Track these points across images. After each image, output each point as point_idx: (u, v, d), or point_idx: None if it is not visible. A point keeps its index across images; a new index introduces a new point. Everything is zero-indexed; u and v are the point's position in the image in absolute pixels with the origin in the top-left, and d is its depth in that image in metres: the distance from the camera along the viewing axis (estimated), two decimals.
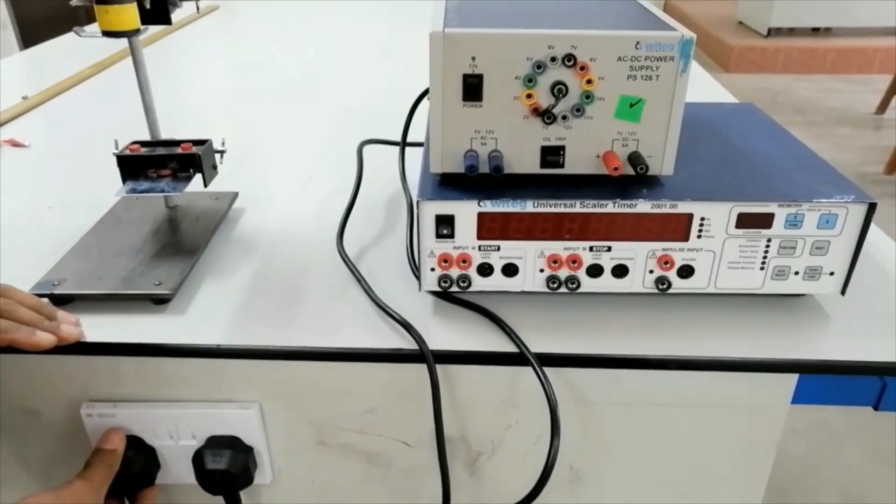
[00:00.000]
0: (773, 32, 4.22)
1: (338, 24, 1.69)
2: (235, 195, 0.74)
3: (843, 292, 0.54)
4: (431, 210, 0.52)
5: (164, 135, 0.68)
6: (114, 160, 0.63)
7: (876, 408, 0.57)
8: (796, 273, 0.54)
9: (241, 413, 0.58)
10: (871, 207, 0.51)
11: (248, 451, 0.59)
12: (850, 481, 1.48)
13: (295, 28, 1.64)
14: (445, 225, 0.52)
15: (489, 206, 0.52)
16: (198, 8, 0.63)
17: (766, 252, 0.53)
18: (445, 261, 0.54)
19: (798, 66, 4.11)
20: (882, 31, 4.13)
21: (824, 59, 4.10)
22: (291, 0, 1.92)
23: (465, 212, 0.52)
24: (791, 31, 4.23)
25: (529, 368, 0.53)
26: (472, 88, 0.50)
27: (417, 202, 0.52)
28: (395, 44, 1.45)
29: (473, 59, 0.49)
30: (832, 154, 2.99)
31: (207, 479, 0.57)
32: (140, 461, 0.58)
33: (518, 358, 0.52)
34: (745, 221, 0.52)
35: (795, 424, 1.60)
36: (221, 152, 0.67)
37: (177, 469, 0.59)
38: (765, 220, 0.52)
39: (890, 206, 2.55)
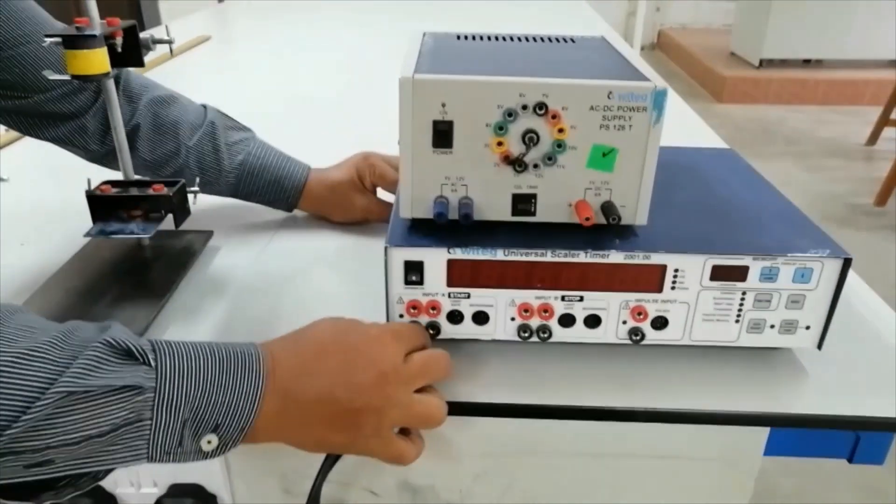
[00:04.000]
0: (765, 64, 4.26)
1: (334, 51, 1.69)
2: (210, 234, 0.72)
3: (819, 346, 0.53)
4: (400, 256, 0.51)
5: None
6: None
7: (850, 461, 0.55)
8: (772, 326, 0.53)
9: (204, 460, 0.56)
10: (847, 262, 0.50)
11: (211, 499, 0.57)
12: None
13: (289, 58, 1.64)
14: (414, 271, 0.51)
15: (459, 254, 0.51)
16: (171, 51, 0.63)
17: (741, 305, 0.52)
18: (414, 307, 0.52)
19: (790, 97, 4.14)
20: (873, 63, 4.17)
21: (816, 90, 4.13)
22: (285, 28, 1.93)
23: (435, 258, 0.51)
24: (783, 63, 4.27)
25: (495, 419, 0.52)
26: (442, 135, 0.49)
27: (386, 248, 0.51)
28: (395, 73, 1.45)
29: (444, 105, 0.48)
30: (823, 185, 3.01)
31: None
32: None
33: (483, 409, 0.51)
34: (719, 274, 0.51)
35: (786, 461, 1.58)
36: (194, 192, 0.66)
37: None
38: (739, 273, 0.51)
39: (881, 237, 2.56)
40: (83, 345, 0.39)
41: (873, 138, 3.44)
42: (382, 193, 0.78)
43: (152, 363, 0.40)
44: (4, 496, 0.39)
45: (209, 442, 0.42)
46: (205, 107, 0.74)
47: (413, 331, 0.51)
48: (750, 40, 4.34)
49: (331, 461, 0.50)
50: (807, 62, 4.31)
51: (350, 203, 0.75)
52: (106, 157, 0.71)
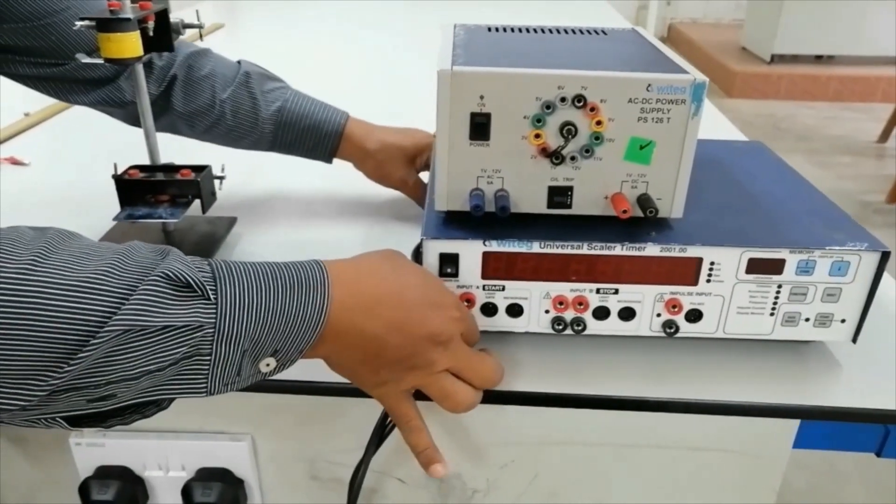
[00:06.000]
0: (776, 59, 4.24)
1: (347, 40, 1.69)
2: (234, 220, 0.73)
3: (854, 340, 0.53)
4: (436, 249, 0.51)
5: (169, 156, 0.67)
6: (113, 182, 0.62)
7: (878, 454, 0.56)
8: (807, 320, 0.53)
9: (232, 445, 0.57)
10: (885, 256, 0.50)
11: (238, 483, 0.58)
12: None
13: (302, 46, 1.64)
14: (450, 264, 0.51)
15: (495, 246, 0.51)
16: (201, 35, 0.63)
17: (776, 298, 0.52)
18: None
19: (801, 93, 4.13)
20: (885, 60, 4.15)
21: (827, 86, 4.11)
22: (297, 16, 1.93)
23: (470, 251, 0.51)
24: (794, 58, 4.25)
25: (525, 407, 0.52)
26: (480, 127, 0.49)
27: (422, 240, 0.51)
28: (407, 62, 1.45)
29: (482, 97, 0.48)
30: (834, 183, 3.00)
31: None
32: (128, 492, 0.56)
33: (514, 397, 0.52)
34: (755, 267, 0.51)
35: (799, 457, 1.58)
36: (221, 178, 0.66)
37: (165, 501, 0.58)
38: (776, 266, 0.51)
39: (893, 235, 2.55)
40: (140, 273, 0.37)
41: (885, 135, 3.42)
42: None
43: (212, 297, 0.39)
44: (72, 424, 0.38)
45: (267, 364, 0.42)
46: (239, 62, 0.75)
47: (476, 326, 0.51)
48: (761, 35, 4.32)
49: (372, 449, 0.51)
50: (818, 58, 4.29)
51: (392, 167, 0.75)
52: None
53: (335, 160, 0.77)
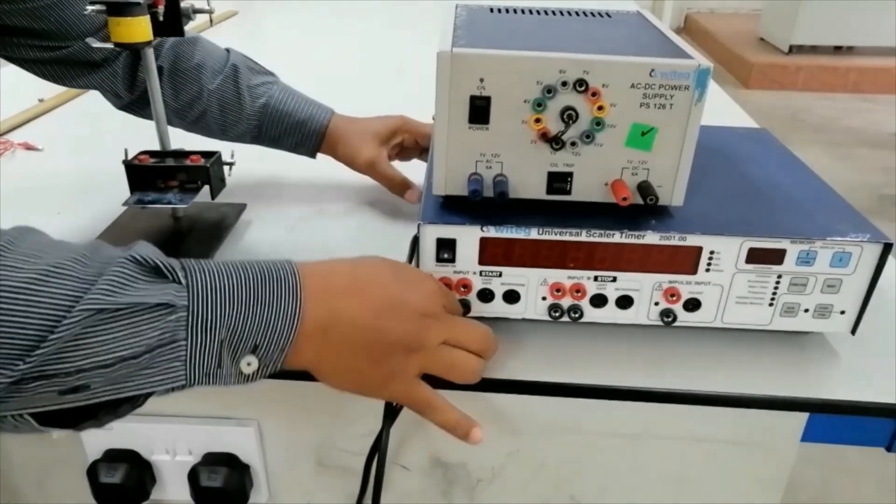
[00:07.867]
0: (794, 49, 4.18)
1: (359, 30, 1.68)
2: (243, 207, 0.73)
3: (853, 332, 0.52)
4: (433, 233, 0.51)
5: (179, 142, 0.67)
6: (124, 168, 0.62)
7: (889, 449, 0.55)
8: (806, 311, 0.52)
9: (239, 430, 0.57)
10: (887, 248, 0.49)
11: (244, 469, 0.58)
12: None
13: (315, 34, 1.63)
14: (446, 249, 0.51)
15: (492, 232, 0.50)
16: (211, 21, 0.63)
17: (775, 288, 0.51)
18: (445, 285, 0.52)
19: (819, 84, 4.07)
20: None
21: (846, 77, 4.05)
22: (311, 4, 1.92)
23: (468, 236, 0.51)
24: (813, 49, 4.19)
25: (532, 396, 0.52)
26: (479, 111, 0.48)
27: (419, 225, 0.51)
28: (420, 53, 1.44)
29: (482, 80, 0.48)
30: (852, 175, 2.96)
31: (203, 496, 0.56)
32: (135, 476, 0.57)
33: (519, 386, 0.51)
34: (755, 257, 0.50)
35: (809, 452, 1.57)
36: (230, 164, 0.66)
37: (172, 485, 0.59)
38: (776, 256, 0.50)
39: None
40: (108, 262, 0.37)
41: None
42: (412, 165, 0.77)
43: (182, 281, 0.38)
44: (45, 423, 0.38)
45: (249, 364, 0.41)
46: (228, 50, 0.74)
47: (454, 298, 0.52)
48: (779, 26, 4.26)
49: (389, 422, 0.51)
50: (837, 49, 4.22)
51: (361, 148, 0.73)
52: (133, 104, 0.72)
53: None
